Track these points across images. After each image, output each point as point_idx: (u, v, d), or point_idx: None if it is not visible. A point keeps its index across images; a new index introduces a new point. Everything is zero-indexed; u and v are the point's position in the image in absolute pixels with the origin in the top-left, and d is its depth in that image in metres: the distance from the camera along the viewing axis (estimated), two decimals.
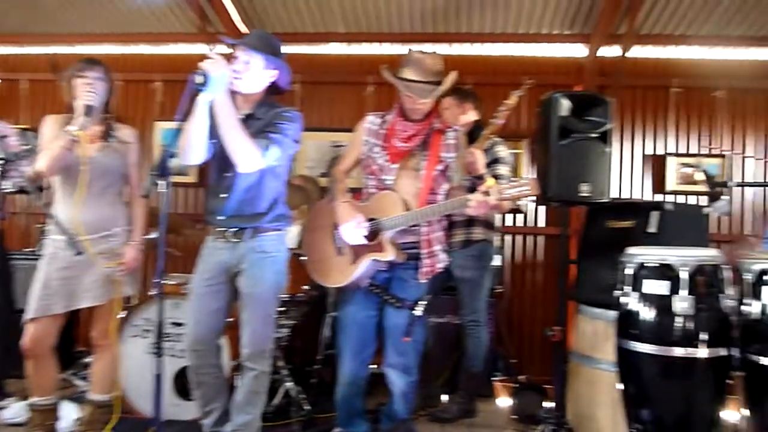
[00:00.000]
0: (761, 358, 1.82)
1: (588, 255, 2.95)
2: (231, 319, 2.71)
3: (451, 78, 2.45)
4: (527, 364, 4.34)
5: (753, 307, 1.86)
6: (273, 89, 2.48)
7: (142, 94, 4.78)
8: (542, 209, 4.55)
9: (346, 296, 2.65)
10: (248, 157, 2.21)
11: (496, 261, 3.67)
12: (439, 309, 3.80)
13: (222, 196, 2.41)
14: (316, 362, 3.47)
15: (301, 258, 3.21)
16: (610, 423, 2.54)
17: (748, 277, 1.91)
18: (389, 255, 2.42)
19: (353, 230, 2.47)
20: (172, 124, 2.01)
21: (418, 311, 2.53)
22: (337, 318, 2.72)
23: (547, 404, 3.21)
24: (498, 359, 4.05)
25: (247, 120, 2.37)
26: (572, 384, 2.78)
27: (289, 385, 3.17)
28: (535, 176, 2.69)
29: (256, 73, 2.36)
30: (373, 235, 2.48)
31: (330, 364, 3.39)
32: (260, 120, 2.39)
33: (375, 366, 2.78)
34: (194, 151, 2.27)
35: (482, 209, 2.29)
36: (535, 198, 2.49)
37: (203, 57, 2.10)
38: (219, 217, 2.41)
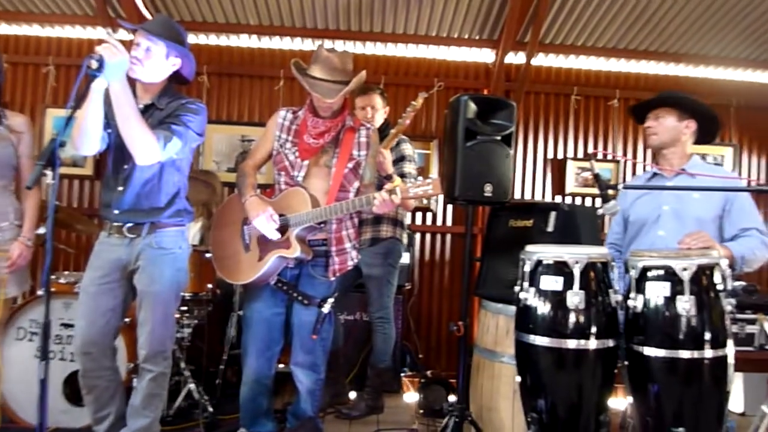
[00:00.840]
0: (643, 348, 1.95)
1: (491, 253, 3.04)
2: (128, 320, 2.59)
3: (359, 78, 2.43)
4: (434, 359, 4.45)
5: (636, 302, 1.99)
6: (176, 79, 2.38)
7: (33, 79, 4.45)
8: (450, 208, 4.67)
9: (253, 293, 2.60)
10: (147, 148, 2.11)
11: (405, 259, 3.72)
12: (349, 306, 3.82)
13: (118, 189, 2.29)
14: (221, 362, 3.37)
15: (206, 255, 3.12)
16: (510, 414, 2.64)
17: (633, 273, 2.04)
18: (295, 252, 2.39)
19: (266, 222, 2.41)
20: (64, 112, 1.88)
21: (327, 308, 2.52)
22: (243, 316, 2.65)
23: (453, 398, 3.30)
24: (406, 355, 4.12)
25: (148, 110, 2.28)
26: (476, 377, 2.86)
27: (191, 386, 3.06)
28: (441, 176, 2.74)
29: (157, 61, 2.25)
30: (281, 231, 2.45)
31: (236, 364, 3.31)
32: (162, 111, 2.29)
33: (282, 365, 2.74)
34: (88, 140, 2.13)
35: (387, 207, 2.31)
36: (441, 197, 2.54)
37: (101, 41, 1.98)
38: (114, 212, 2.29)
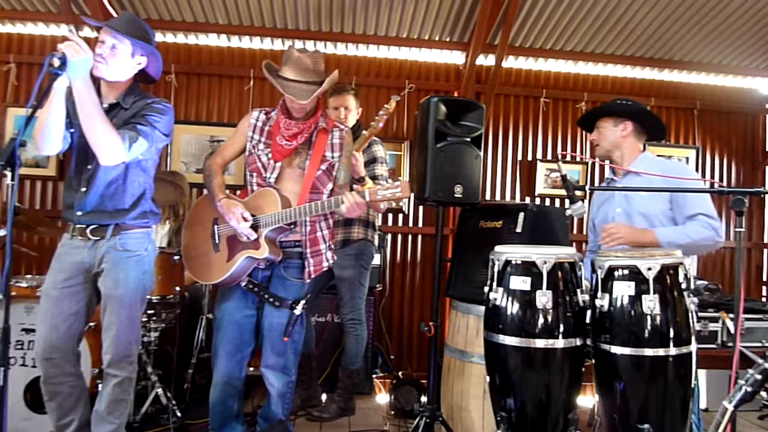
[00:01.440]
0: (610, 346, 1.98)
1: (461, 253, 3.06)
2: (93, 324, 2.53)
3: (331, 78, 2.42)
4: (405, 360, 4.46)
5: (603, 301, 2.02)
6: (142, 78, 2.33)
7: None
8: (421, 209, 4.68)
9: (224, 295, 2.56)
10: (111, 148, 2.07)
11: (376, 260, 3.72)
12: (321, 308, 3.80)
13: (81, 190, 2.23)
14: (190, 366, 3.32)
15: (174, 257, 3.07)
16: (480, 413, 2.66)
17: (600, 273, 2.07)
18: (264, 253, 2.37)
19: (238, 222, 2.37)
20: (25, 111, 1.84)
21: (298, 310, 2.50)
22: (213, 318, 2.62)
23: (424, 399, 3.31)
24: (377, 356, 4.12)
25: (112, 109, 2.23)
26: (446, 378, 2.88)
27: (159, 391, 3.00)
28: (411, 178, 2.75)
29: (122, 59, 2.21)
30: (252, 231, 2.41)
31: (205, 368, 3.27)
32: (127, 110, 2.24)
33: (252, 369, 2.71)
34: (50, 140, 2.08)
35: (357, 211, 2.31)
36: (412, 197, 2.55)
37: (64, 39, 1.94)
38: (77, 213, 2.24)
